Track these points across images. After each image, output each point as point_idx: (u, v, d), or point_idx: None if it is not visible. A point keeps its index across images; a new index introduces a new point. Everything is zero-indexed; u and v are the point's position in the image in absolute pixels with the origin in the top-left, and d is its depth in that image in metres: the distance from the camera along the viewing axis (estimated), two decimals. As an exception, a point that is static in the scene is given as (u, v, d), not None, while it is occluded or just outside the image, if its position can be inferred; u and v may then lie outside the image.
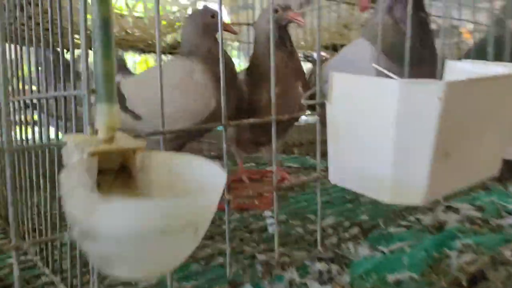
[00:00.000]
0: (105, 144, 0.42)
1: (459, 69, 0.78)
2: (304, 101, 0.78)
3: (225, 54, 0.89)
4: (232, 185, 1.27)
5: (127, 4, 1.26)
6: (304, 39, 1.96)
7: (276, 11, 1.09)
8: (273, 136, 0.76)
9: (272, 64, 0.78)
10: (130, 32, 1.29)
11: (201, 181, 0.41)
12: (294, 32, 1.61)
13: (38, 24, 0.65)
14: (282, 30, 1.14)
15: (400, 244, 0.87)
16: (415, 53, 1.04)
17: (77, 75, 0.58)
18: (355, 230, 0.96)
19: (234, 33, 1.18)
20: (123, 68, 1.77)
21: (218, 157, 1.52)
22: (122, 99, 1.00)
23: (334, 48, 1.75)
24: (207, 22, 1.06)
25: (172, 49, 1.66)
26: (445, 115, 0.54)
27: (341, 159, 0.67)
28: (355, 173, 0.64)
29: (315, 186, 0.82)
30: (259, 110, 1.12)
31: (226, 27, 1.11)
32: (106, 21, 0.41)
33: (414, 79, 0.83)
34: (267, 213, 1.07)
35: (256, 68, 1.16)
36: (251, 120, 0.81)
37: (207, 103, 0.98)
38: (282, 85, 1.04)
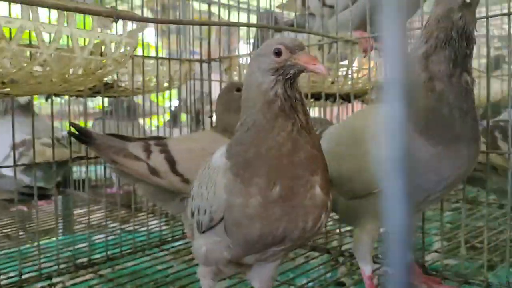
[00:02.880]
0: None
1: None
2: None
3: None
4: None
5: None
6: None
7: (278, 52, 0.68)
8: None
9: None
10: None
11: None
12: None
13: None
14: (289, 85, 0.69)
15: None
16: (453, 127, 0.78)
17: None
18: None
19: None
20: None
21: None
22: (173, 163, 1.09)
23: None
24: (233, 97, 1.12)
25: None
26: None
27: None
28: None
29: None
30: (243, 219, 0.70)
31: None
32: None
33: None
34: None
35: (244, 150, 0.70)
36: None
37: None
38: (286, 182, 0.67)
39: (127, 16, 0.71)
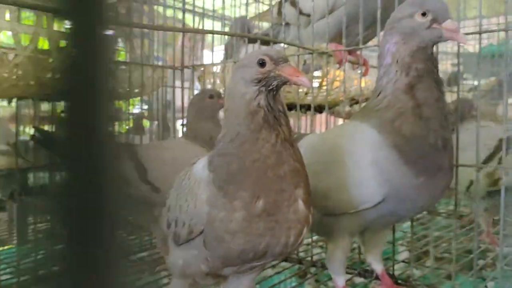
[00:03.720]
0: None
1: None
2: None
3: None
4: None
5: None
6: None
7: (262, 63, 0.68)
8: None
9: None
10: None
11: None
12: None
13: None
14: (272, 97, 0.69)
15: None
16: (436, 158, 0.79)
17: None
18: None
19: None
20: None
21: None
22: (143, 171, 1.07)
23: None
24: (205, 104, 1.13)
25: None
26: None
27: None
28: None
29: None
30: (225, 234, 0.68)
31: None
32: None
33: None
34: None
35: (227, 162, 0.69)
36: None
37: None
38: (270, 195, 0.67)
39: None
